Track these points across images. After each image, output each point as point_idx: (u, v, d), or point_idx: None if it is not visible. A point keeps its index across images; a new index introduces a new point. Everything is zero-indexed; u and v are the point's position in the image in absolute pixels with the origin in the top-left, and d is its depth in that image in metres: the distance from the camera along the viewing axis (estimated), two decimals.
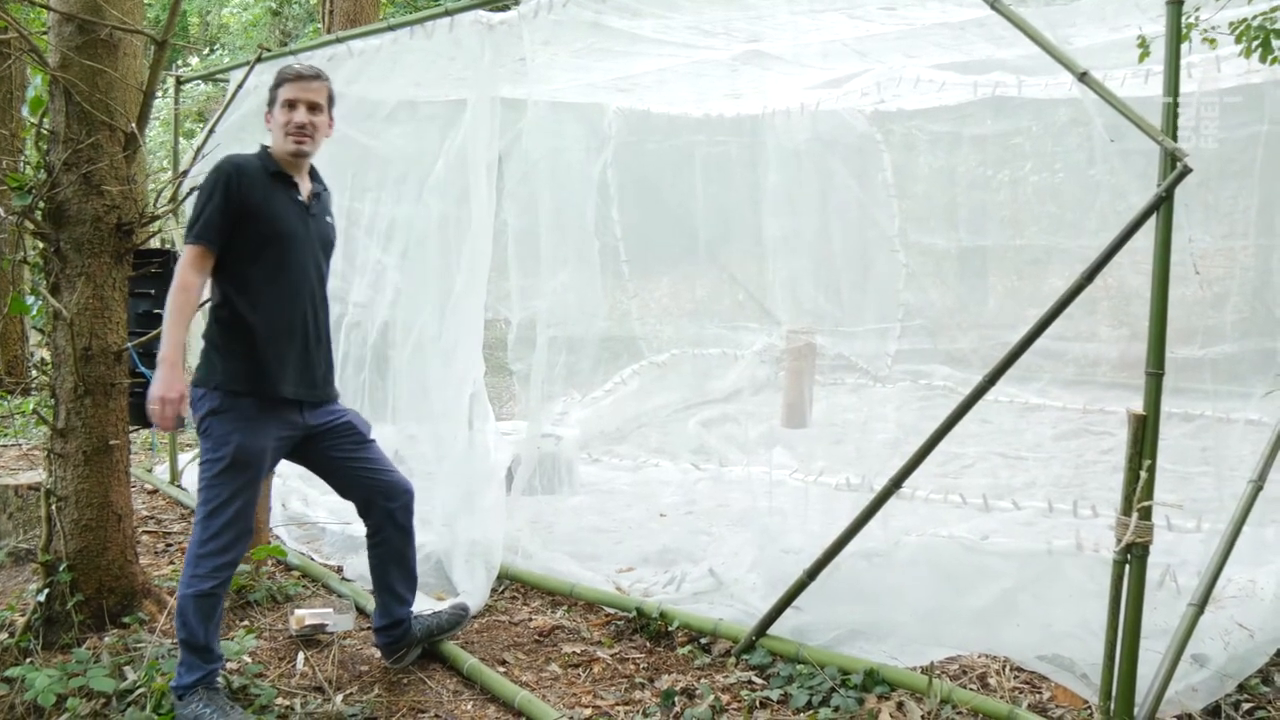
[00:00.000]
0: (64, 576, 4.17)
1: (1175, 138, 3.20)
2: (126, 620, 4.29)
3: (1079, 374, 8.85)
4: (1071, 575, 3.97)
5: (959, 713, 3.58)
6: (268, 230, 3.68)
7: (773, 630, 4.16)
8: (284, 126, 3.76)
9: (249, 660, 4.11)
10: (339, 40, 5.70)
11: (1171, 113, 3.21)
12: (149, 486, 7.07)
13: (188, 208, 6.56)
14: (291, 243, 3.73)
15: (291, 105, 3.77)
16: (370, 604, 4.72)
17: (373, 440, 4.03)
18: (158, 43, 4.20)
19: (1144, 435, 3.19)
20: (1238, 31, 3.62)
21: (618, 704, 3.84)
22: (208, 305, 3.75)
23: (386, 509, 3.96)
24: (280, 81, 3.81)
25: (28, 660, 4.01)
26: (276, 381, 3.66)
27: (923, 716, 3.56)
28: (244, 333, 3.65)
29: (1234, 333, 6.90)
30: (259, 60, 5.23)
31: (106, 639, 4.14)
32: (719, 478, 6.97)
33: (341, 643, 4.39)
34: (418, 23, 5.24)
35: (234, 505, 3.61)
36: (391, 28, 5.38)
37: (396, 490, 3.98)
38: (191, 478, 6.94)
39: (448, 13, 5.08)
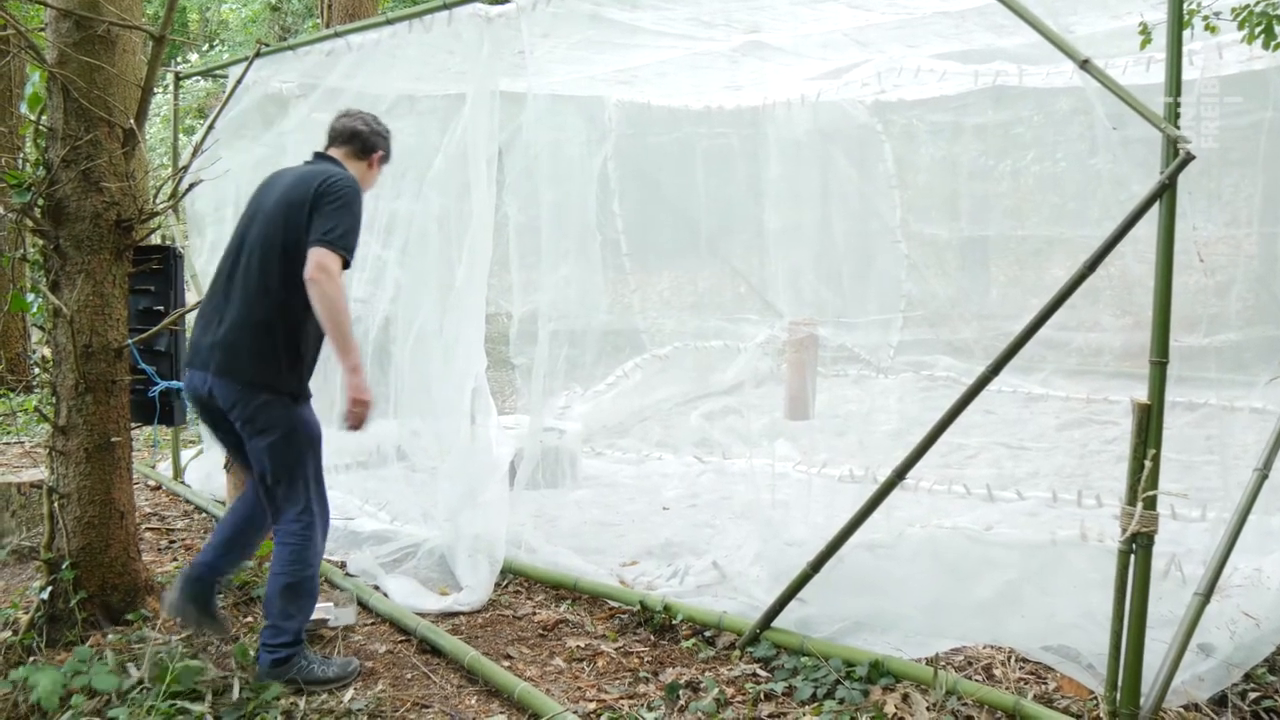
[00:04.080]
0: (67, 574, 4.17)
1: (1177, 125, 3.18)
2: (130, 617, 4.28)
3: (1082, 364, 8.83)
4: (1076, 565, 3.96)
5: (964, 704, 3.57)
6: None
7: (777, 623, 4.15)
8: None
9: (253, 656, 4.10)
10: (337, 35, 5.69)
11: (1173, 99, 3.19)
12: (152, 483, 7.07)
13: (187, 204, 6.59)
14: None
15: None
16: (371, 598, 4.73)
17: None
18: (156, 38, 4.19)
19: (1149, 424, 3.17)
20: (1240, 17, 3.60)
21: (622, 698, 3.83)
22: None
23: None
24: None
25: (31, 659, 4.01)
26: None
27: (928, 708, 3.55)
28: (307, 339, 3.87)
29: (1238, 320, 6.87)
30: (258, 55, 5.22)
31: (110, 636, 4.14)
32: (722, 470, 6.96)
33: (345, 637, 4.38)
34: (416, 16, 5.22)
35: (317, 476, 3.93)
36: (390, 21, 5.37)
37: None
38: (194, 475, 6.95)
39: (446, 6, 5.06)
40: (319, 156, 4.13)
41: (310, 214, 3.71)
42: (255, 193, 4.03)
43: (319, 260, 3.61)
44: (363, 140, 4.14)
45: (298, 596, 3.85)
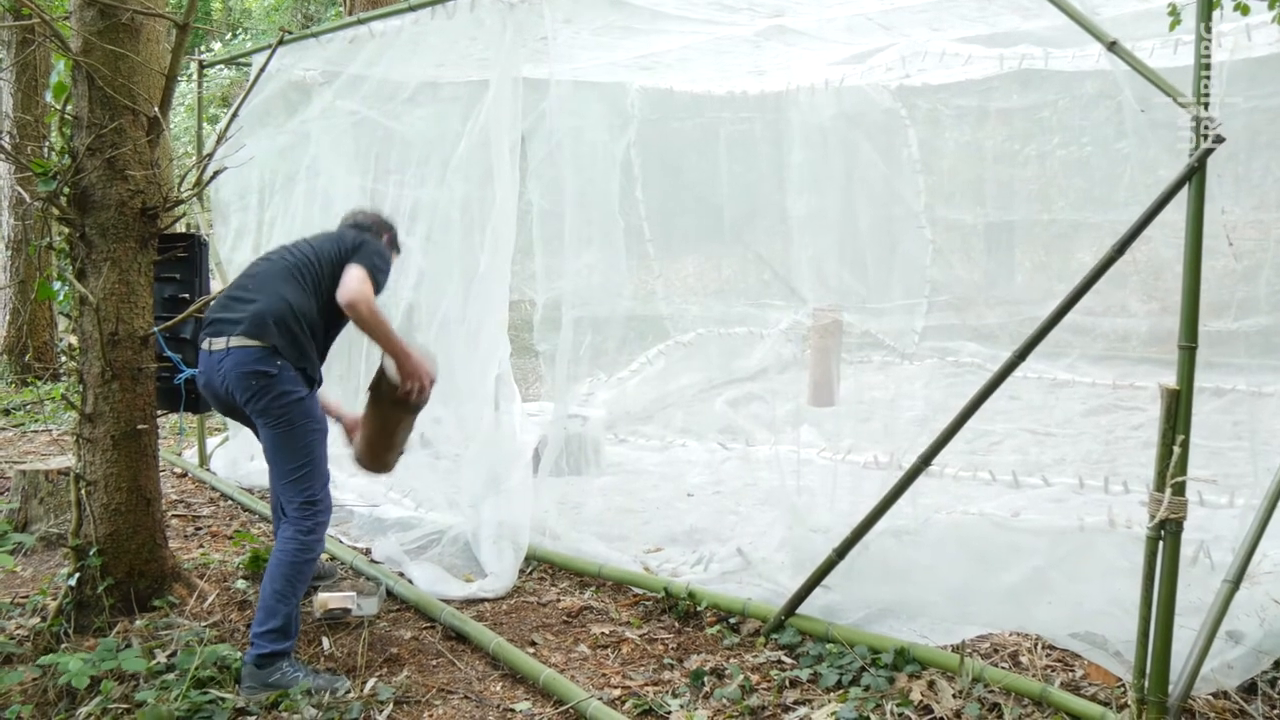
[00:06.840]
0: (94, 561, 4.20)
1: (1206, 106, 3.14)
2: (156, 604, 4.31)
3: (1108, 349, 8.76)
4: (1103, 552, 3.92)
5: (991, 691, 3.56)
6: None
7: (802, 609, 4.14)
8: None
9: None
10: (360, 22, 5.69)
11: (1201, 81, 3.15)
12: (178, 470, 7.11)
13: (212, 192, 6.63)
14: None
15: None
16: (396, 585, 4.75)
17: None
18: (179, 26, 4.19)
19: (1177, 410, 3.14)
20: None
21: (647, 684, 3.83)
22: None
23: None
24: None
25: (61, 646, 4.04)
26: None
27: (954, 695, 3.54)
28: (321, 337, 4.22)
29: (1267, 305, 6.78)
30: (281, 43, 5.22)
31: (137, 623, 4.17)
32: (746, 457, 6.94)
33: (370, 624, 4.40)
34: (439, 3, 5.21)
35: (324, 465, 4.06)
36: (412, 8, 5.36)
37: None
38: (220, 462, 6.98)
39: None
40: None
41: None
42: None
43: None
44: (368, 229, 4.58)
45: (295, 578, 3.88)
